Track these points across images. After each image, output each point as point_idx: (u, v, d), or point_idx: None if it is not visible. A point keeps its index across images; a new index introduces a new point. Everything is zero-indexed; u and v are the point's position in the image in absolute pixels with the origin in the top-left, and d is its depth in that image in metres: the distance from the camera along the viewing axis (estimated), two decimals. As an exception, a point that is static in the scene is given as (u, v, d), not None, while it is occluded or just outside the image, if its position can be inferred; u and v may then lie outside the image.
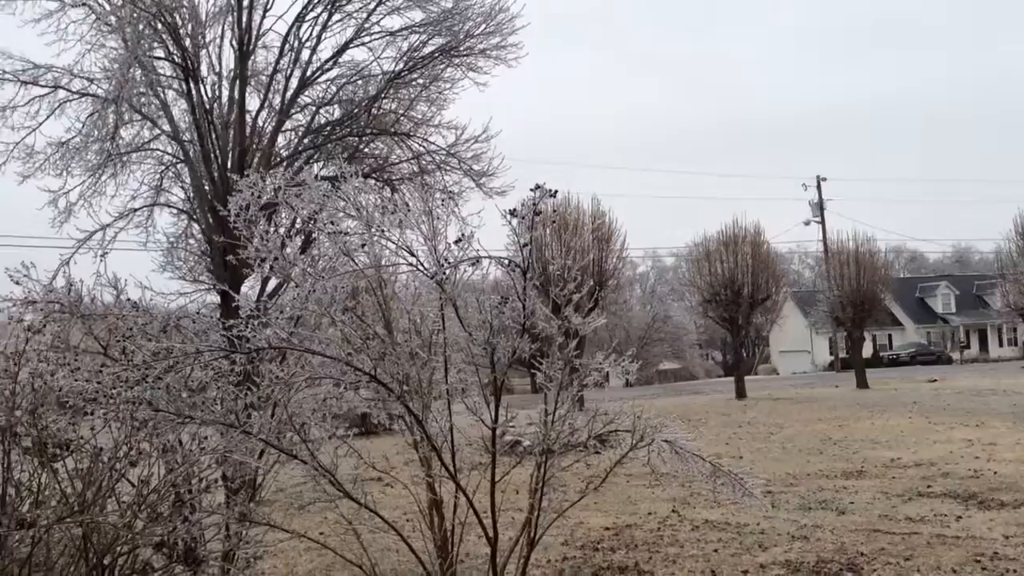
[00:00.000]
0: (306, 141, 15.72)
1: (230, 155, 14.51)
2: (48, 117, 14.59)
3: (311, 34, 15.35)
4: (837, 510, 9.49)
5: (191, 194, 15.44)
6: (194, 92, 14.51)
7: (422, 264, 5.16)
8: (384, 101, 16.04)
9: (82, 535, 4.30)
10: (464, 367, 5.46)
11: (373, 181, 15.34)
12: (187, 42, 14.24)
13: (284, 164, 14.33)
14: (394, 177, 16.20)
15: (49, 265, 5.50)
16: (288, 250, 5.31)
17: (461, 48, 15.59)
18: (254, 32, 14.90)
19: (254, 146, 14.90)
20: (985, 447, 14.08)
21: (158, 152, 15.86)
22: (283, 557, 7.92)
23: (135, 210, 15.65)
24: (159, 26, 13.94)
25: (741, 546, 7.95)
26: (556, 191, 5.05)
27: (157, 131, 15.33)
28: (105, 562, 4.35)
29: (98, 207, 15.21)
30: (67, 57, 17.37)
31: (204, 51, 14.64)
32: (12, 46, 14.19)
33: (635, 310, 60.54)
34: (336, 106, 16.21)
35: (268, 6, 15.04)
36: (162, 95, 14.81)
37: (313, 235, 5.82)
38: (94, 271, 5.44)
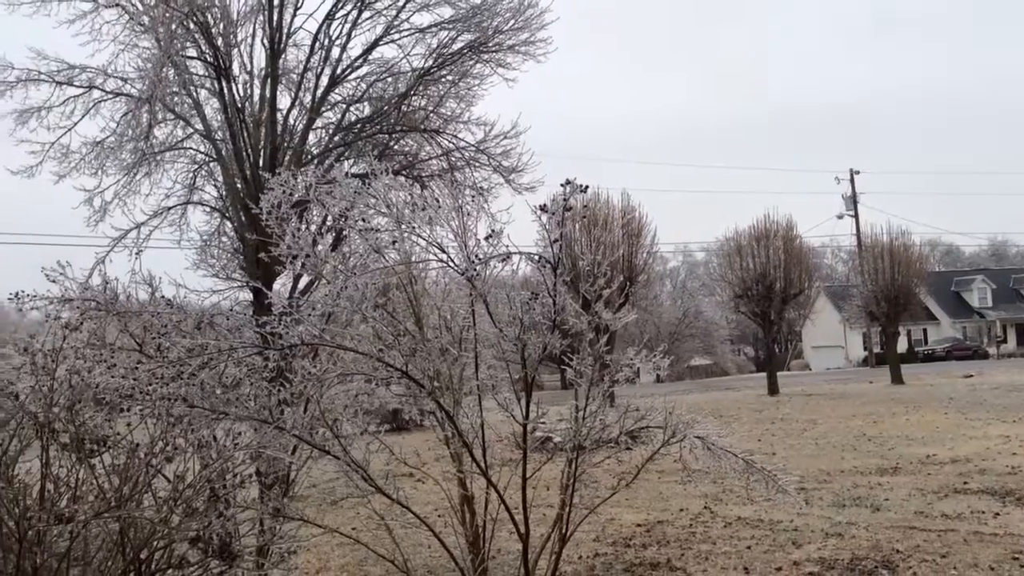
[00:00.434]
0: (336, 139, 15.81)
1: (262, 153, 14.63)
2: (83, 117, 14.81)
3: (341, 32, 15.44)
4: (872, 507, 9.39)
5: (223, 192, 15.59)
6: (226, 91, 14.65)
7: (452, 260, 5.16)
8: (414, 98, 16.09)
9: (119, 530, 4.36)
10: (494, 363, 5.46)
11: (403, 178, 15.40)
12: (219, 41, 14.37)
13: (315, 162, 14.42)
14: (424, 174, 16.25)
15: (85, 263, 5.59)
16: (319, 247, 5.34)
17: (490, 44, 15.60)
18: (285, 31, 15.01)
19: (285, 144, 15.02)
20: (1023, 443, 13.87)
21: (191, 151, 16.05)
22: (316, 552, 7.99)
23: (169, 208, 15.84)
24: (191, 26, 14.09)
25: (774, 543, 7.89)
26: (587, 186, 5.03)
27: (190, 130, 15.50)
28: (142, 556, 4.41)
29: (132, 206, 15.42)
30: (101, 57, 17.65)
31: (236, 50, 14.78)
32: (47, 47, 14.38)
33: (665, 306, 60.22)
34: (366, 103, 16.30)
35: (299, 4, 15.14)
36: (195, 94, 14.97)
37: (344, 232, 5.85)
38: (129, 269, 5.51)
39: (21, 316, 5.41)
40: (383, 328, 5.20)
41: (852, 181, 54.34)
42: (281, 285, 13.62)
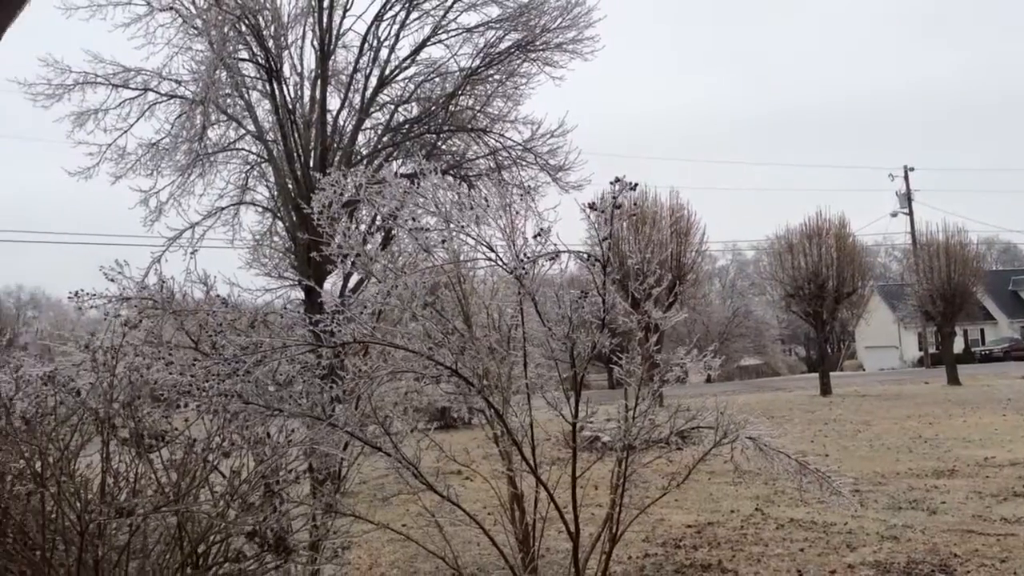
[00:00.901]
0: (385, 139, 15.94)
1: (312, 154, 14.81)
2: (139, 119, 15.12)
3: (389, 33, 15.55)
4: (928, 510, 9.22)
5: (275, 192, 15.80)
6: (277, 93, 14.85)
7: (501, 259, 5.17)
8: (461, 98, 16.15)
9: (177, 524, 4.45)
10: (542, 362, 5.46)
11: (450, 177, 15.46)
12: (270, 43, 14.58)
13: (364, 162, 14.56)
14: (471, 173, 16.30)
15: (141, 263, 5.70)
16: (369, 246, 5.39)
17: (537, 43, 15.59)
18: (334, 32, 15.17)
19: (335, 145, 15.18)
20: (1085, 446, 13.51)
21: (243, 152, 16.29)
22: (367, 548, 8.07)
23: (222, 209, 16.10)
24: (243, 28, 14.31)
25: (828, 546, 7.79)
26: (636, 184, 5.01)
27: (242, 131, 15.74)
28: (199, 550, 4.49)
29: (187, 206, 15.70)
30: (156, 60, 17.97)
31: (286, 52, 14.97)
32: (103, 50, 14.70)
33: (714, 305, 59.62)
34: (414, 104, 16.40)
35: (348, 6, 15.29)
36: (247, 96, 15.20)
37: (392, 231, 5.90)
38: (184, 268, 5.61)
39: (79, 314, 5.53)
40: (432, 326, 5.23)
41: (906, 178, 53.34)
42: (332, 284, 13.79)
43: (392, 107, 16.30)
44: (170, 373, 4.63)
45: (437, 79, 16.30)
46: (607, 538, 5.38)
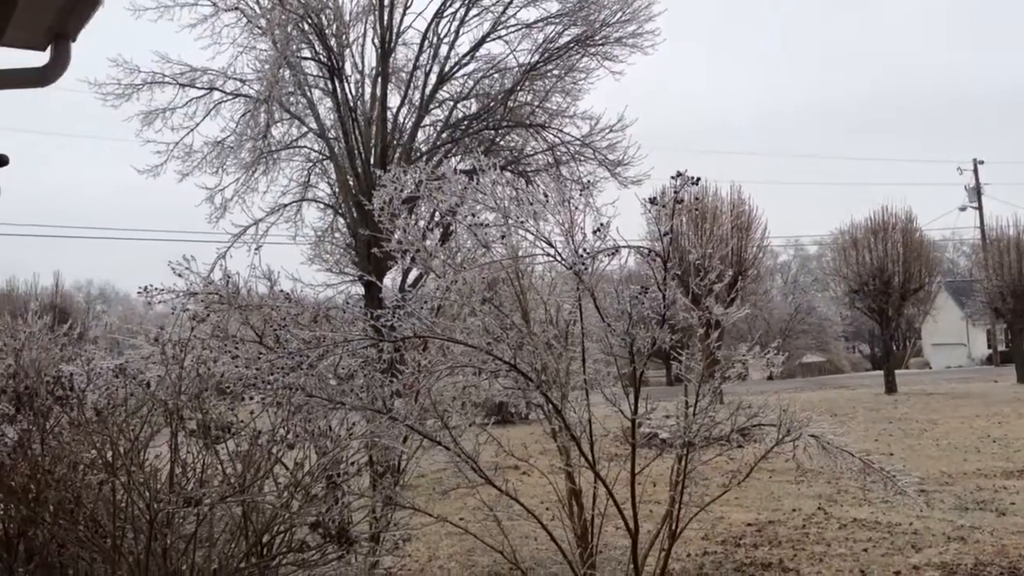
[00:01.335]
0: (444, 135, 16.06)
1: (373, 151, 14.99)
2: (204, 118, 15.51)
3: (449, 29, 15.69)
4: (997, 511, 8.97)
5: (336, 189, 16.05)
6: (339, 90, 15.07)
7: (560, 254, 5.17)
8: (519, 93, 16.20)
9: (242, 514, 4.54)
10: (600, 357, 5.45)
11: (509, 173, 15.50)
12: (332, 42, 14.79)
13: (424, 158, 14.68)
14: (529, 169, 16.34)
15: (207, 258, 5.83)
16: (428, 242, 5.44)
17: (597, 37, 15.56)
18: (395, 30, 15.33)
19: (395, 142, 15.34)
20: None
21: (305, 149, 16.58)
22: (425, 541, 8.13)
23: (284, 205, 16.42)
24: (306, 27, 14.55)
25: (892, 546, 7.63)
26: (699, 178, 4.96)
27: (305, 129, 16.02)
28: (263, 540, 4.59)
29: (250, 203, 16.07)
30: (221, 60, 18.39)
31: (348, 50, 15.19)
32: (171, 51, 15.07)
33: (776, 301, 58.71)
34: (473, 100, 16.50)
35: (408, 4, 15.47)
36: (309, 94, 15.46)
37: (451, 227, 5.94)
38: (248, 263, 5.72)
39: (148, 309, 5.67)
40: (491, 322, 5.25)
41: (976, 171, 51.84)
42: (391, 279, 13.96)
43: (451, 104, 16.42)
44: (236, 366, 4.73)
45: (496, 75, 16.37)
46: (666, 535, 5.35)
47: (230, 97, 15.48)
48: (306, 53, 15.21)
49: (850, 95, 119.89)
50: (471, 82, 16.37)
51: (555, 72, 16.18)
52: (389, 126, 15.40)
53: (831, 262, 35.48)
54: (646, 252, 5.18)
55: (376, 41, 15.34)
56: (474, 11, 15.62)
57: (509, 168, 15.74)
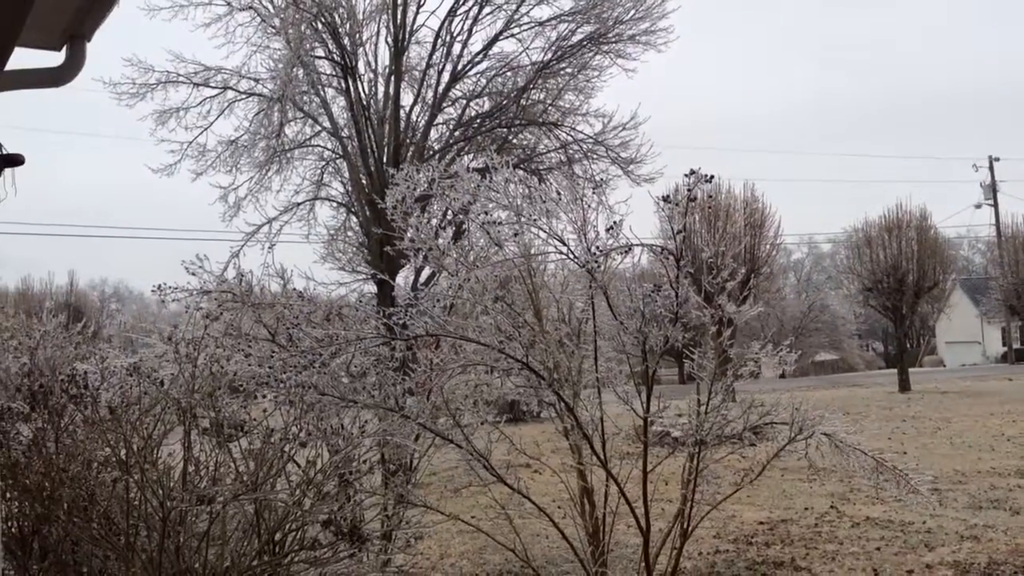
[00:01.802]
0: (457, 134, 16.04)
1: (386, 150, 15.00)
2: (218, 117, 15.50)
3: (462, 28, 15.65)
4: (1011, 510, 8.92)
5: (349, 188, 16.06)
6: (352, 89, 15.08)
7: (572, 252, 5.17)
8: (532, 91, 16.16)
9: (255, 511, 4.57)
10: (612, 356, 5.44)
11: (521, 171, 15.49)
12: (345, 41, 14.81)
13: (436, 157, 14.68)
14: (542, 167, 16.30)
15: (220, 257, 5.85)
16: (441, 241, 5.44)
17: (610, 35, 15.50)
18: (408, 28, 15.32)
19: (408, 140, 15.35)
20: None
21: (319, 148, 16.58)
22: (437, 539, 8.15)
23: (298, 204, 16.43)
24: (319, 26, 14.56)
25: (905, 545, 7.60)
26: (712, 176, 4.95)
27: (318, 128, 16.02)
28: (276, 538, 4.61)
29: (264, 202, 16.07)
30: (235, 59, 18.42)
31: (361, 49, 15.19)
32: (184, 50, 15.11)
33: (789, 299, 58.42)
34: (486, 98, 16.46)
35: (421, 2, 15.43)
36: (322, 93, 15.47)
37: (464, 225, 5.95)
38: (262, 262, 5.74)
39: (161, 307, 5.70)
40: (503, 320, 5.25)
41: (991, 168, 51.52)
42: (404, 278, 13.96)
43: (464, 102, 16.40)
44: (249, 365, 4.75)
45: (509, 73, 16.33)
46: (678, 533, 5.34)
47: (244, 96, 15.51)
48: (319, 52, 15.23)
49: (866, 92, 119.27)
50: (484, 80, 16.34)
51: (568, 70, 16.13)
52: (402, 125, 15.40)
53: (845, 260, 35.36)
54: (659, 250, 5.17)
55: (389, 40, 15.35)
56: (487, 9, 15.59)
57: (522, 166, 15.72)
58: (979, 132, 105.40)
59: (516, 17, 15.65)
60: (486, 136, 16.15)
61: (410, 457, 5.46)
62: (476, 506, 8.46)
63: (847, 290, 38.16)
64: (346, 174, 15.97)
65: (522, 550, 5.44)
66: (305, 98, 15.41)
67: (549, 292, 5.53)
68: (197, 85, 15.18)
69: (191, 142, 15.48)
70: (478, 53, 15.90)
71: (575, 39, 15.69)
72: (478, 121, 16.25)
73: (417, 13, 15.47)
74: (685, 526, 5.29)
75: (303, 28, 14.06)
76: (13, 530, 5.13)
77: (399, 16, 15.18)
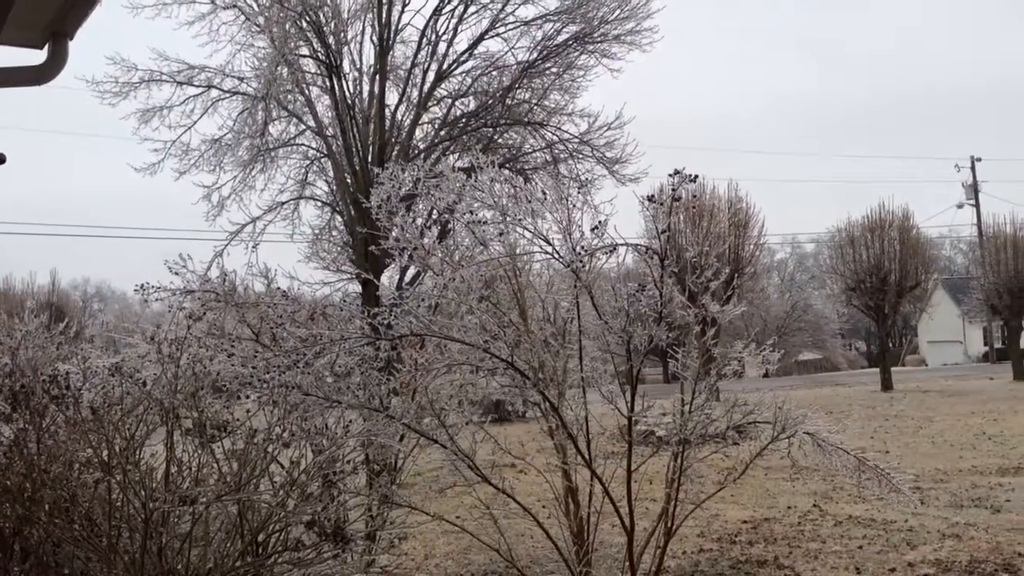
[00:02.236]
0: (442, 133, 16.04)
1: (370, 149, 14.97)
2: (202, 115, 15.45)
3: (447, 27, 15.66)
4: (992, 508, 8.99)
5: (334, 187, 16.03)
6: (337, 88, 15.04)
7: (557, 252, 5.17)
8: (518, 91, 16.19)
9: (238, 512, 4.54)
10: (597, 355, 5.45)
11: (507, 171, 15.50)
12: (330, 39, 14.77)
13: (422, 156, 14.67)
14: (527, 166, 16.32)
15: (204, 256, 5.83)
16: (426, 240, 5.43)
17: (595, 35, 15.54)
18: (393, 27, 15.31)
19: (393, 139, 15.33)
20: None
21: (303, 147, 16.54)
22: (421, 539, 8.14)
23: (282, 203, 16.39)
24: (304, 25, 14.52)
25: (888, 543, 7.65)
26: (696, 176, 4.96)
27: (302, 127, 15.98)
28: (259, 539, 4.58)
29: (248, 201, 16.04)
30: (219, 58, 18.37)
31: (346, 48, 15.17)
32: (168, 49, 15.04)
33: (773, 298, 58.66)
34: (471, 98, 16.48)
35: (406, 1, 15.42)
36: (307, 92, 15.43)
37: (449, 225, 5.94)
38: (245, 262, 5.72)
39: (144, 307, 5.68)
40: (488, 319, 5.25)
41: (973, 169, 51.85)
42: (388, 278, 13.94)
43: (449, 101, 16.40)
44: (232, 365, 4.73)
45: (494, 73, 16.36)
46: (662, 532, 5.36)
47: (228, 95, 15.45)
48: (304, 51, 15.19)
49: (847, 92, 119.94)
50: (469, 80, 16.35)
51: (553, 70, 16.16)
52: (387, 124, 15.38)
53: (828, 260, 35.51)
54: (643, 250, 5.18)
55: (374, 38, 15.33)
56: (473, 8, 15.61)
57: (507, 166, 15.73)
58: (961, 133, 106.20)
59: (501, 16, 15.68)
60: (472, 135, 16.16)
61: (395, 457, 5.45)
62: (461, 506, 8.45)
63: (830, 290, 38.29)
64: (331, 173, 15.94)
65: (507, 550, 5.44)
66: (289, 97, 15.36)
67: (534, 292, 5.53)
68: (181, 84, 15.11)
69: (174, 141, 15.43)
70: (463, 52, 15.91)
71: (560, 39, 15.73)
72: (464, 120, 16.26)
73: (402, 12, 15.48)
74: (669, 525, 5.31)
75: (287, 26, 14.01)
76: (-6, 532, 5.09)
77: (384, 15, 15.16)
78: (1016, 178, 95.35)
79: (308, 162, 16.70)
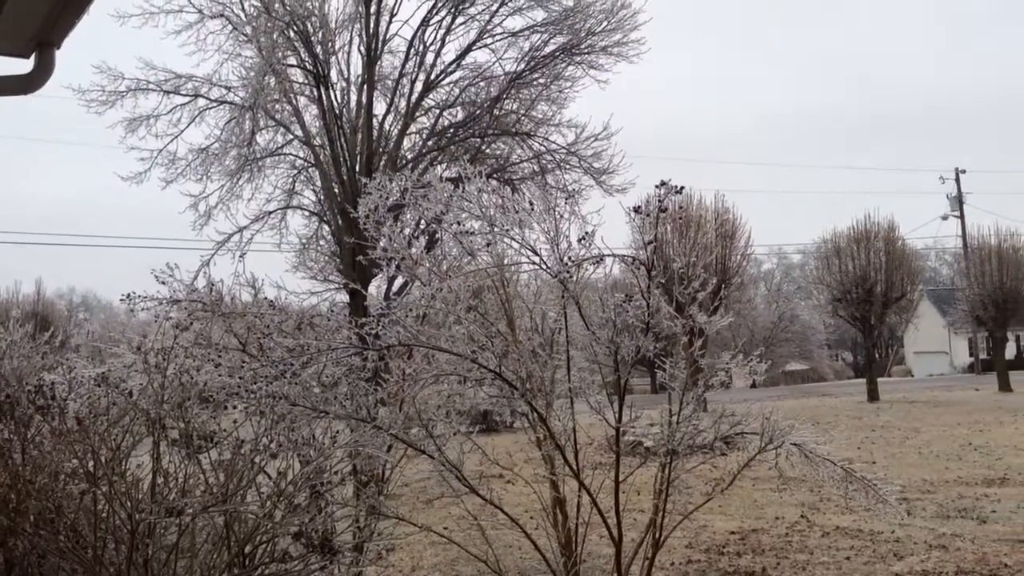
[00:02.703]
0: (430, 143, 16.05)
1: (358, 158, 14.96)
2: (189, 124, 15.39)
3: (435, 38, 15.68)
4: (978, 519, 9.03)
5: (322, 197, 16.00)
6: (324, 98, 15.04)
7: (545, 263, 5.17)
8: (505, 102, 16.22)
9: (224, 524, 4.52)
10: (585, 366, 5.45)
11: (494, 181, 15.52)
12: (318, 49, 14.77)
13: (409, 166, 14.67)
14: (515, 177, 16.34)
15: (191, 266, 5.81)
16: (414, 250, 5.43)
17: (582, 46, 15.60)
18: (381, 38, 15.32)
19: (381, 149, 15.32)
20: None
21: (291, 157, 16.51)
22: (409, 551, 8.11)
23: (269, 213, 16.34)
24: (291, 34, 14.52)
25: (875, 554, 7.67)
26: (682, 187, 4.98)
27: (290, 136, 15.95)
28: (246, 550, 4.55)
29: (235, 210, 15.97)
30: (206, 67, 18.31)
31: (334, 58, 15.16)
32: (155, 58, 14.99)
33: (760, 309, 58.82)
34: (459, 108, 16.50)
35: (394, 12, 15.46)
36: (295, 101, 15.41)
37: (437, 235, 5.94)
38: (232, 271, 5.70)
39: (130, 317, 5.66)
40: (476, 330, 5.24)
41: (958, 180, 52.25)
42: (376, 287, 13.93)
43: (437, 111, 16.41)
44: (219, 375, 4.71)
45: (482, 83, 16.38)
46: (650, 543, 5.36)
47: (215, 104, 15.41)
48: (292, 60, 15.18)
49: (832, 105, 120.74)
50: (457, 90, 16.37)
51: (541, 81, 16.21)
52: (375, 134, 15.38)
53: (814, 270, 35.67)
54: (631, 260, 5.20)
55: (362, 49, 15.34)
56: (460, 19, 15.64)
57: (495, 176, 15.74)
58: (946, 145, 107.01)
59: (489, 28, 15.72)
60: (459, 146, 16.18)
61: (382, 468, 5.43)
62: (448, 517, 8.43)
63: (816, 300, 38.43)
64: (318, 183, 15.92)
65: (494, 561, 5.43)
66: (277, 106, 15.34)
67: (522, 302, 5.53)
68: (168, 93, 15.06)
69: (161, 150, 15.37)
70: (451, 63, 15.94)
71: (548, 50, 15.78)
72: (451, 130, 16.28)
73: (390, 23, 15.49)
74: (657, 536, 5.31)
75: (275, 36, 14.01)
76: (-23, 543, 5.04)
77: (372, 25, 15.18)
78: (1001, 190, 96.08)
79: (296, 172, 16.67)
